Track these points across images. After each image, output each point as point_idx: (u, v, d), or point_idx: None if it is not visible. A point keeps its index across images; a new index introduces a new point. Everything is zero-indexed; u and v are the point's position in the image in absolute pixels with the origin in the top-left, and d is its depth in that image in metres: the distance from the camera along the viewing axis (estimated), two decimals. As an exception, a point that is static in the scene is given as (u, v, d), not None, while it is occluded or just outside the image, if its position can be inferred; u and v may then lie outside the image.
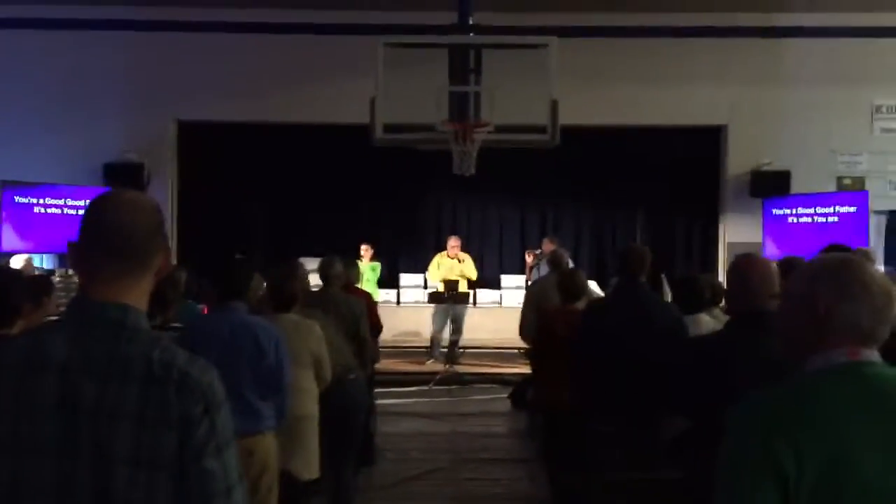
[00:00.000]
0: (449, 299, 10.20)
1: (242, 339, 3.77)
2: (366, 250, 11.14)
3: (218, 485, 1.56)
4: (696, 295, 4.98)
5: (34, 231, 10.38)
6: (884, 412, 1.58)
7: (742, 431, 1.62)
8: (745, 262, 3.11)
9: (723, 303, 5.01)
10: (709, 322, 4.56)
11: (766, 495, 1.54)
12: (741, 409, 1.66)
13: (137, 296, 1.66)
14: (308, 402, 4.46)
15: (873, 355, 1.65)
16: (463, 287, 10.64)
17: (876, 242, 11.04)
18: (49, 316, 4.47)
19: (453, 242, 11.09)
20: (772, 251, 11.00)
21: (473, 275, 10.97)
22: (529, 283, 10.90)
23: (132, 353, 1.57)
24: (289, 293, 4.48)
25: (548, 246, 10.38)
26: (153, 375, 1.55)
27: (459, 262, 10.96)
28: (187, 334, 3.91)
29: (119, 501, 1.52)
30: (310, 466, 4.41)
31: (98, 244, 1.65)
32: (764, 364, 2.71)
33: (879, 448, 1.55)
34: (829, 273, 1.69)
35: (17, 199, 10.35)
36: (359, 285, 7.55)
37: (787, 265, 4.63)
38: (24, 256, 8.64)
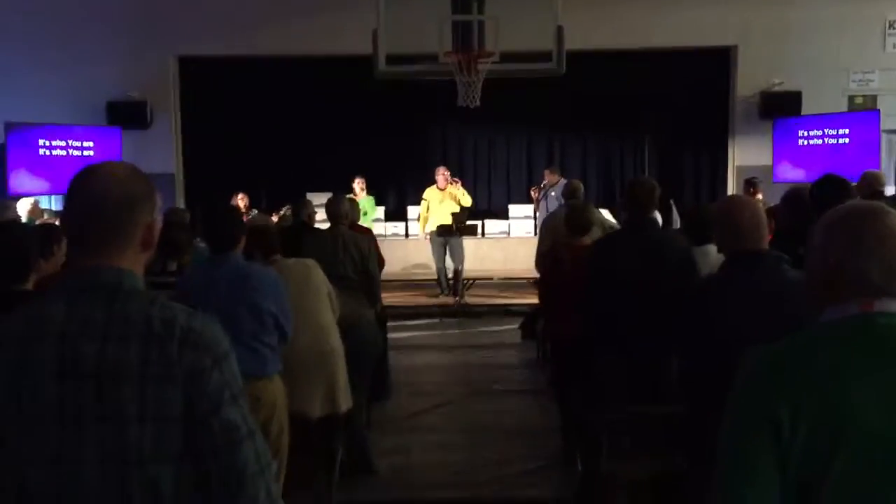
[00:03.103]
0: (457, 232, 10.17)
1: (240, 286, 3.80)
2: (360, 184, 10.94)
3: (241, 431, 1.60)
4: (705, 226, 4.94)
5: (41, 173, 10.35)
6: (888, 364, 1.56)
7: (745, 381, 1.64)
8: (732, 204, 3.08)
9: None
10: (717, 253, 4.51)
11: (760, 446, 1.55)
12: (749, 359, 1.66)
13: (128, 261, 1.66)
14: (335, 335, 4.62)
15: (890, 306, 1.62)
16: (447, 220, 10.35)
17: (887, 163, 10.93)
18: (60, 263, 4.50)
19: (442, 172, 10.83)
20: (783, 174, 10.91)
21: (467, 202, 10.84)
22: (538, 215, 10.87)
23: (130, 313, 1.59)
24: (270, 240, 4.53)
25: (550, 177, 10.30)
26: (154, 333, 1.57)
27: (455, 183, 10.74)
28: (185, 286, 3.94)
29: (131, 458, 1.54)
30: (346, 397, 4.63)
31: (75, 215, 1.67)
32: (758, 303, 2.71)
33: (883, 398, 1.53)
34: (842, 225, 1.66)
35: (21, 140, 10.30)
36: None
37: (791, 196, 4.60)
38: (31, 200, 8.61)
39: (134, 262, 1.68)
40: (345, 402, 4.62)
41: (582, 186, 7.69)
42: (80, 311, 1.59)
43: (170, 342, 1.56)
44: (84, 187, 1.66)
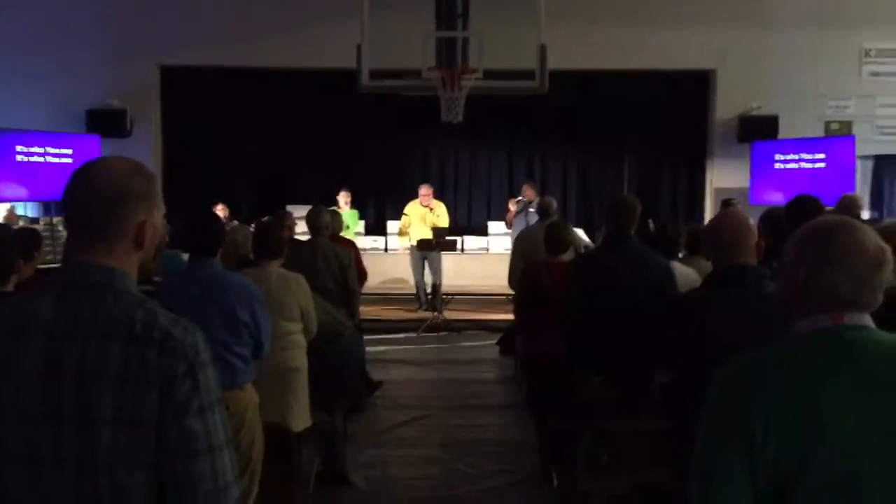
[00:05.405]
0: (437, 247, 10.19)
1: (216, 294, 3.72)
2: (344, 197, 10.93)
3: (199, 444, 1.55)
4: (671, 242, 4.99)
5: (18, 179, 10.24)
6: (859, 376, 1.59)
7: (718, 393, 1.66)
8: (718, 218, 3.12)
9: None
10: (682, 270, 4.53)
11: (732, 456, 1.58)
12: (722, 371, 1.69)
13: (121, 260, 1.64)
14: (299, 354, 4.51)
15: (860, 319, 1.64)
16: (427, 234, 10.38)
17: (862, 188, 11.08)
18: (37, 267, 4.47)
19: (425, 191, 10.83)
20: (761, 196, 11.03)
21: (444, 223, 10.80)
22: (513, 229, 10.89)
23: (115, 314, 1.57)
24: (276, 240, 4.49)
25: (528, 192, 10.33)
26: (135, 335, 1.55)
27: (431, 210, 10.73)
28: (160, 292, 3.87)
29: (102, 462, 1.52)
30: (303, 417, 4.51)
31: (67, 212, 1.66)
32: (740, 317, 2.75)
33: (853, 410, 1.56)
34: (812, 238, 1.68)
35: (-2, 147, 10.20)
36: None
37: (767, 215, 4.66)
38: (6, 206, 8.54)
39: (126, 262, 1.65)
40: (301, 423, 4.46)
41: (554, 202, 7.81)
42: (68, 308, 1.57)
43: (149, 347, 1.54)
44: (79, 178, 1.65)
